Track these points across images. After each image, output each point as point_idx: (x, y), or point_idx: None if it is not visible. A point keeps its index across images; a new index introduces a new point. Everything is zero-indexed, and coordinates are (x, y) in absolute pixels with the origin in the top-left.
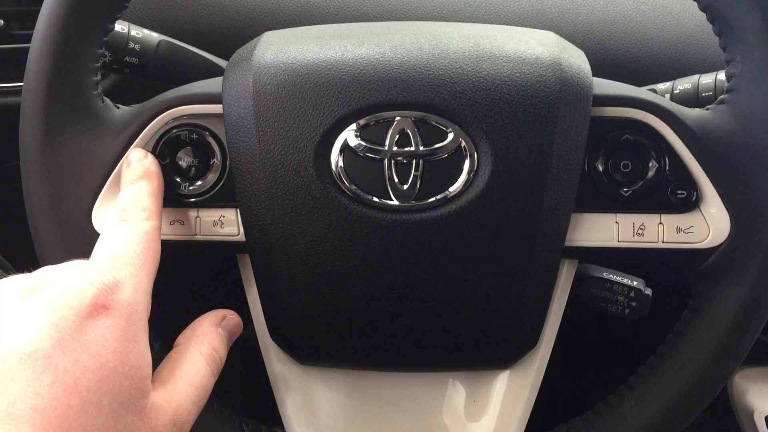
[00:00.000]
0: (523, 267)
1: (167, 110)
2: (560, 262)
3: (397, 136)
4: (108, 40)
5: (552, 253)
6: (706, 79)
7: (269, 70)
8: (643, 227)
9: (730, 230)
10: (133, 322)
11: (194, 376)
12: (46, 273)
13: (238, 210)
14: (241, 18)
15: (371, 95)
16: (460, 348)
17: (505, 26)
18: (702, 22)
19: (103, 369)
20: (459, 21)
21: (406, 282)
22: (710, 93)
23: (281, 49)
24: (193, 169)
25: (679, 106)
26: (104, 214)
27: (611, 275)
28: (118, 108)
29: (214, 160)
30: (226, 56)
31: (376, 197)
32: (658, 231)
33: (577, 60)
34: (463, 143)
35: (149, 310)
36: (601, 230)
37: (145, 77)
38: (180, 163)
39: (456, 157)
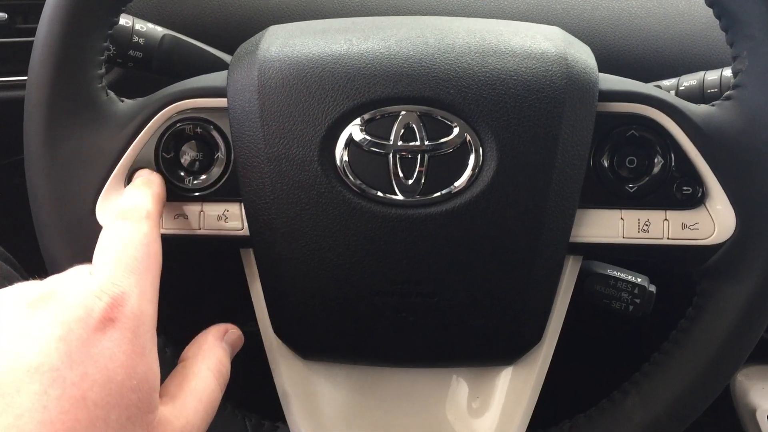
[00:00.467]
0: (527, 263)
1: (172, 104)
2: (565, 258)
3: (402, 131)
4: (112, 34)
5: (557, 249)
6: (712, 76)
7: (274, 64)
8: (648, 223)
9: (736, 227)
10: (141, 334)
11: (203, 391)
12: (52, 283)
13: (242, 204)
14: (246, 12)
15: (376, 89)
16: (464, 344)
17: (510, 21)
18: (707, 18)
19: (110, 383)
20: (464, 17)
21: (410, 277)
22: (715, 90)
23: (286, 42)
24: (198, 163)
25: (685, 102)
26: (108, 208)
27: (615, 272)
28: (123, 101)
29: (219, 154)
30: (230, 51)
31: (381, 192)
32: (664, 227)
33: (583, 55)
34: (469, 138)
35: (156, 319)
36: (606, 226)
37: (149, 71)
38: (184, 156)
39: (461, 151)
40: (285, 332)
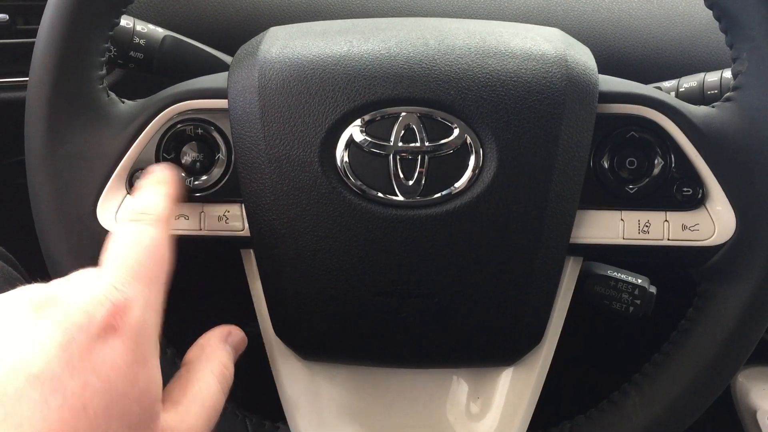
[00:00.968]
0: (527, 264)
1: (172, 105)
2: (565, 259)
3: (403, 132)
4: (113, 35)
5: (557, 250)
6: (712, 77)
7: (275, 65)
8: (648, 224)
9: (736, 228)
10: (143, 343)
11: (206, 396)
12: (56, 288)
13: (243, 205)
14: (246, 14)
15: (377, 90)
16: (464, 344)
17: (510, 23)
18: (707, 20)
19: (111, 393)
20: (464, 18)
21: (410, 278)
22: (715, 91)
23: (287, 44)
24: (198, 163)
25: (685, 103)
26: (109, 209)
27: (616, 273)
28: (124, 102)
29: (219, 155)
30: (231, 52)
31: (381, 193)
32: (664, 228)
33: (583, 57)
34: (469, 139)
35: (159, 328)
36: (606, 227)
37: (149, 72)
38: (185, 157)
39: (461, 153)
40: (286, 333)
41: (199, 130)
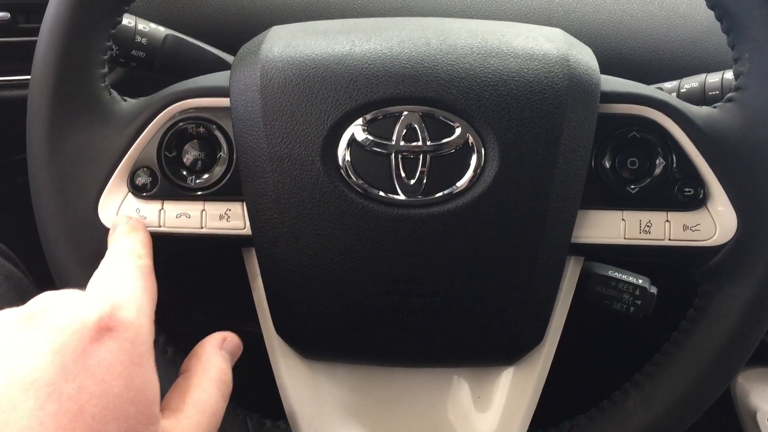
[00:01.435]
0: (529, 263)
1: (174, 103)
2: (566, 259)
3: (404, 131)
4: (115, 33)
5: (558, 250)
6: (713, 78)
7: (277, 64)
8: (649, 225)
9: (737, 228)
10: (138, 344)
11: (205, 403)
12: (46, 299)
13: (245, 204)
14: (248, 14)
15: (378, 90)
16: (465, 344)
17: (512, 23)
18: (708, 21)
19: (108, 395)
20: (466, 18)
21: (411, 277)
22: (717, 92)
23: (289, 43)
24: (200, 162)
25: (687, 104)
26: (110, 207)
27: (617, 273)
28: (125, 101)
29: (221, 153)
30: (232, 51)
31: (383, 192)
32: (665, 228)
33: (585, 57)
34: (471, 138)
35: (153, 334)
36: (608, 227)
37: (151, 71)
38: (186, 156)
39: (463, 152)
40: (286, 331)
41: (201, 129)
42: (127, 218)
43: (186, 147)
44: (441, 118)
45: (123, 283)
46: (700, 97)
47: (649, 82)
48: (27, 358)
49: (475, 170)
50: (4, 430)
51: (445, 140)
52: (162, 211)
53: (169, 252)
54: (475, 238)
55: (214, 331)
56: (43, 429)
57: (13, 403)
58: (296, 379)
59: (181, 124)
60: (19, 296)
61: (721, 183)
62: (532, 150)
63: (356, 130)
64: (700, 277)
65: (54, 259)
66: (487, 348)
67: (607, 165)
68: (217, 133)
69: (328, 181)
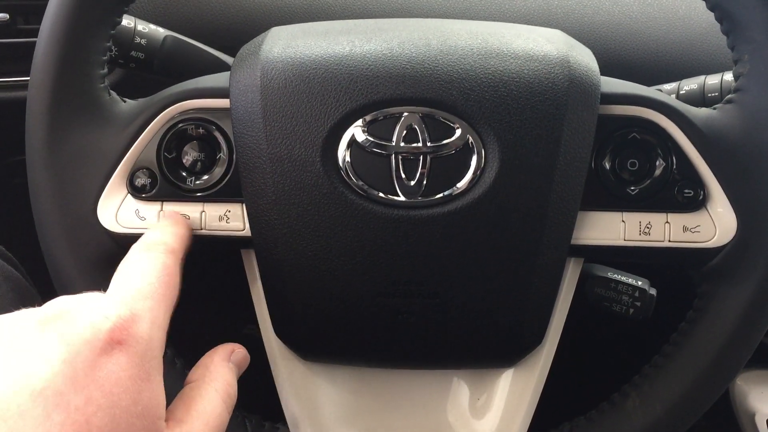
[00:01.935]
0: (528, 265)
1: (174, 104)
2: (566, 261)
3: (405, 132)
4: (114, 35)
5: (558, 251)
6: (712, 80)
7: (277, 65)
8: (649, 226)
9: (737, 230)
10: (148, 360)
11: (210, 414)
12: (62, 303)
13: (244, 205)
14: (247, 15)
15: (379, 90)
16: (465, 345)
17: (512, 24)
18: (707, 23)
19: (115, 408)
20: (466, 19)
21: (411, 278)
22: (716, 94)
23: (289, 44)
24: (200, 163)
25: (687, 105)
26: (110, 208)
27: (616, 275)
28: (125, 102)
29: (221, 154)
30: (232, 52)
31: (383, 193)
32: (665, 230)
33: (585, 58)
34: (471, 139)
35: (164, 346)
36: (608, 229)
37: (150, 72)
38: (186, 157)
39: (463, 153)
40: (286, 333)
41: (201, 130)
42: (173, 213)
43: (185, 148)
44: (441, 119)
45: (143, 286)
46: (699, 98)
47: (648, 84)
48: (38, 364)
49: (475, 171)
50: None
51: (445, 141)
52: (161, 212)
53: None
54: (475, 239)
55: (213, 332)
56: None
57: (21, 409)
58: (295, 381)
59: (180, 125)
60: (18, 297)
61: (720, 184)
62: (532, 151)
63: (356, 131)
64: (699, 279)
65: (53, 261)
66: (487, 349)
67: (607, 166)
68: (217, 134)
69: (328, 182)
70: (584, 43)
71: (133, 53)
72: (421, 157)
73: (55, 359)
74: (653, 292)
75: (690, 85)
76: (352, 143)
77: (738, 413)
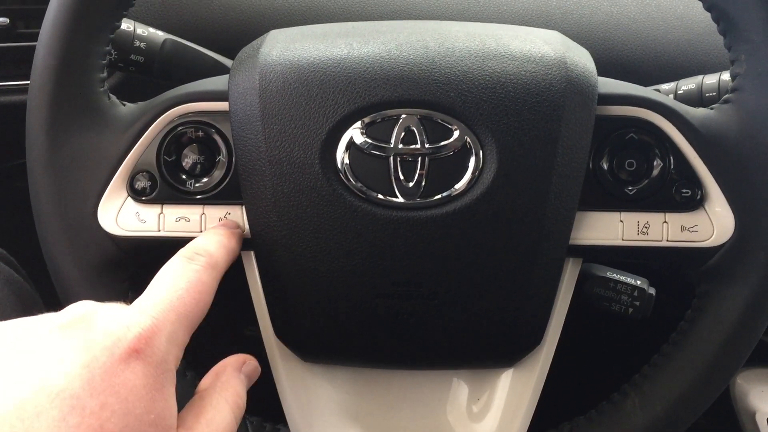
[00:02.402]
0: (527, 265)
1: (173, 107)
2: (564, 261)
3: (403, 134)
4: (114, 38)
5: (556, 252)
6: (710, 80)
7: (275, 68)
8: (647, 226)
9: (735, 229)
10: (162, 371)
11: (219, 423)
12: (84, 308)
13: (244, 207)
14: (246, 17)
15: (377, 93)
16: (464, 346)
17: (510, 26)
18: (705, 23)
19: (129, 415)
20: (464, 21)
21: (410, 279)
22: (714, 93)
23: (287, 47)
24: (199, 166)
25: (684, 105)
26: (110, 211)
27: (615, 274)
28: (125, 105)
29: (220, 157)
30: (231, 55)
31: (382, 194)
32: (663, 230)
33: (582, 59)
34: (469, 141)
35: (179, 361)
36: (606, 229)
37: (150, 76)
38: (186, 160)
39: (461, 154)
40: (286, 335)
41: (200, 133)
42: (230, 222)
43: (185, 151)
44: (439, 120)
45: (171, 298)
46: (697, 98)
47: (646, 84)
48: (57, 367)
49: (473, 173)
50: None
51: (443, 143)
52: (161, 215)
53: (168, 256)
54: (473, 240)
55: (214, 333)
56: None
57: (38, 410)
58: (296, 382)
59: (180, 128)
60: (19, 301)
61: (718, 184)
62: (530, 152)
63: (355, 133)
64: (698, 278)
65: (54, 264)
66: (486, 350)
67: (605, 166)
68: (216, 137)
69: (326, 184)
70: (582, 44)
71: (132, 57)
72: (420, 159)
73: (74, 363)
74: (652, 291)
75: (688, 84)
76: (351, 145)
77: (738, 412)
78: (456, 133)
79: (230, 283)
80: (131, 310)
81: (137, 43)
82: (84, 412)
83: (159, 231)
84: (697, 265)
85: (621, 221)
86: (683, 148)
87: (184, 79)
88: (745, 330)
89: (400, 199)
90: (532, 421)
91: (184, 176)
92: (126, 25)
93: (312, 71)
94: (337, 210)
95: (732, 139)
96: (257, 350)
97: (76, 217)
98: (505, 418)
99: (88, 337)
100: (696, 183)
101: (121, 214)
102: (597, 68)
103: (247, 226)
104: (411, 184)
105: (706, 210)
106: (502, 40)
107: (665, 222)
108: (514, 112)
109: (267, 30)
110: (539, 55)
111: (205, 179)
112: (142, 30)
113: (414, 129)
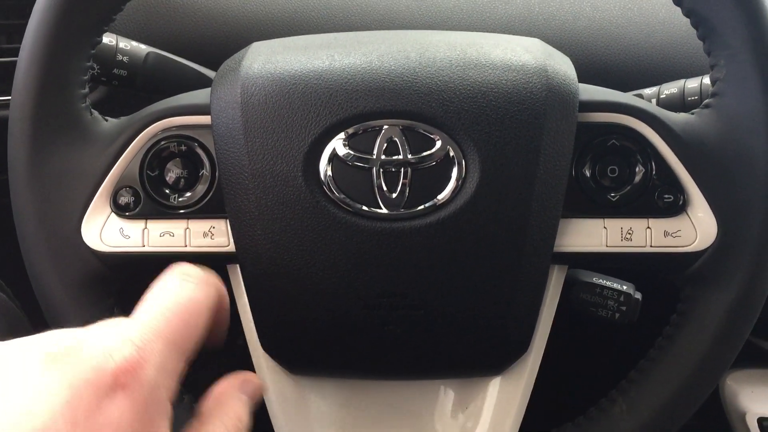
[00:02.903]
0: (512, 273)
1: (156, 122)
2: (549, 268)
3: (386, 145)
4: (96, 53)
5: (541, 259)
6: (692, 84)
7: (257, 81)
8: (631, 232)
9: (717, 233)
10: (152, 404)
11: None
12: (68, 338)
13: (228, 220)
14: (229, 29)
15: (359, 104)
16: (451, 355)
17: (491, 34)
18: (687, 27)
19: None
20: (446, 29)
21: (395, 290)
22: (696, 97)
23: (269, 59)
24: (182, 180)
25: (665, 110)
26: (94, 227)
27: (601, 280)
28: (107, 120)
29: (203, 171)
30: (214, 67)
31: (365, 206)
32: (646, 235)
33: (563, 66)
34: (451, 151)
35: (172, 393)
36: (590, 235)
37: (133, 89)
38: (169, 174)
39: (444, 164)
40: (273, 347)
41: (183, 147)
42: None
43: (168, 165)
44: (421, 131)
45: (158, 323)
46: (679, 102)
47: (629, 89)
48: (39, 404)
49: (456, 182)
50: None
51: (426, 153)
52: (146, 230)
53: (154, 272)
54: (458, 249)
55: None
56: None
57: None
58: (283, 394)
59: (162, 142)
60: (4, 320)
61: (700, 189)
62: (512, 161)
63: (337, 144)
64: (682, 283)
65: (38, 282)
66: (473, 358)
67: (588, 173)
68: (199, 151)
69: (310, 196)
70: (565, 49)
71: (115, 71)
72: (403, 170)
73: (57, 401)
74: (638, 296)
75: (670, 89)
76: (334, 157)
77: (728, 413)
78: (438, 143)
79: None
80: (116, 339)
81: (120, 57)
82: None
83: (143, 246)
84: (681, 270)
85: (605, 228)
86: (664, 153)
87: (167, 92)
88: (730, 333)
89: (384, 210)
90: (520, 428)
91: (167, 191)
92: (108, 39)
93: (293, 84)
94: (321, 222)
95: (713, 144)
96: (246, 361)
97: (59, 233)
98: (493, 427)
99: (70, 371)
100: (678, 188)
101: (105, 230)
102: (580, 74)
103: (231, 240)
104: (394, 195)
105: (688, 215)
106: (482, 49)
107: (648, 228)
108: (495, 121)
109: (250, 41)
110: (520, 63)
111: (188, 193)
112: (125, 44)
113: (396, 140)
